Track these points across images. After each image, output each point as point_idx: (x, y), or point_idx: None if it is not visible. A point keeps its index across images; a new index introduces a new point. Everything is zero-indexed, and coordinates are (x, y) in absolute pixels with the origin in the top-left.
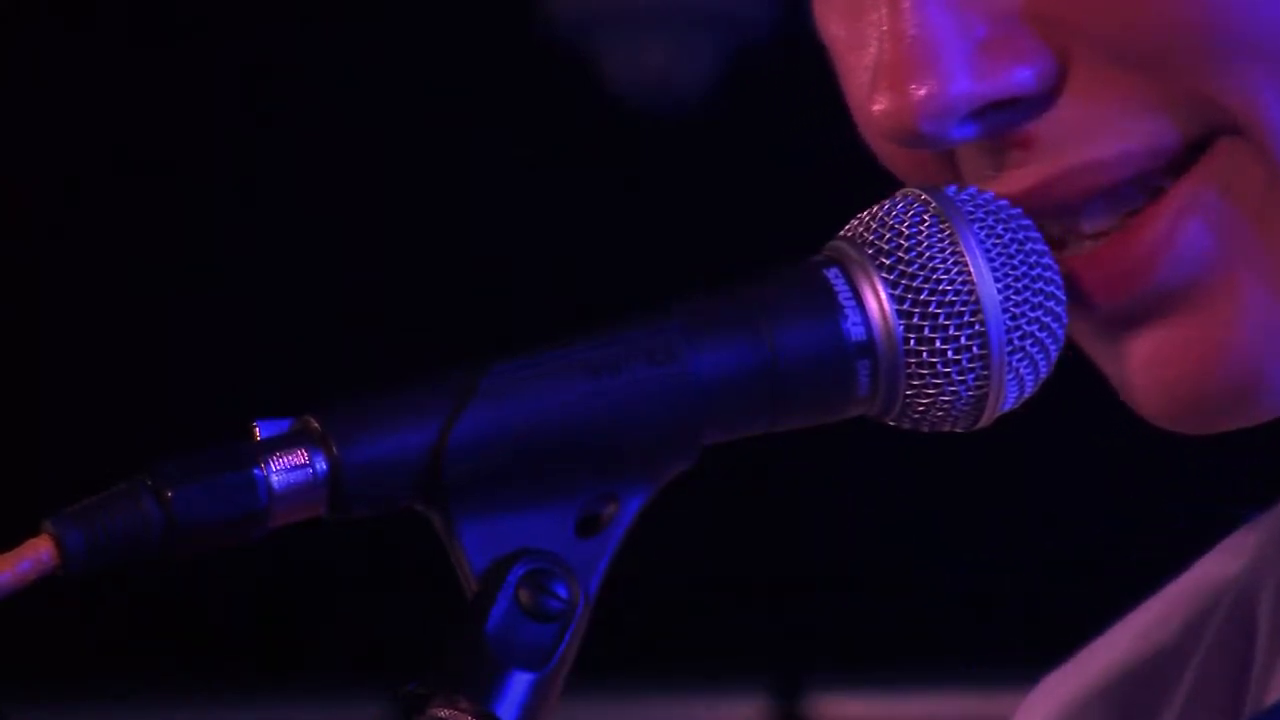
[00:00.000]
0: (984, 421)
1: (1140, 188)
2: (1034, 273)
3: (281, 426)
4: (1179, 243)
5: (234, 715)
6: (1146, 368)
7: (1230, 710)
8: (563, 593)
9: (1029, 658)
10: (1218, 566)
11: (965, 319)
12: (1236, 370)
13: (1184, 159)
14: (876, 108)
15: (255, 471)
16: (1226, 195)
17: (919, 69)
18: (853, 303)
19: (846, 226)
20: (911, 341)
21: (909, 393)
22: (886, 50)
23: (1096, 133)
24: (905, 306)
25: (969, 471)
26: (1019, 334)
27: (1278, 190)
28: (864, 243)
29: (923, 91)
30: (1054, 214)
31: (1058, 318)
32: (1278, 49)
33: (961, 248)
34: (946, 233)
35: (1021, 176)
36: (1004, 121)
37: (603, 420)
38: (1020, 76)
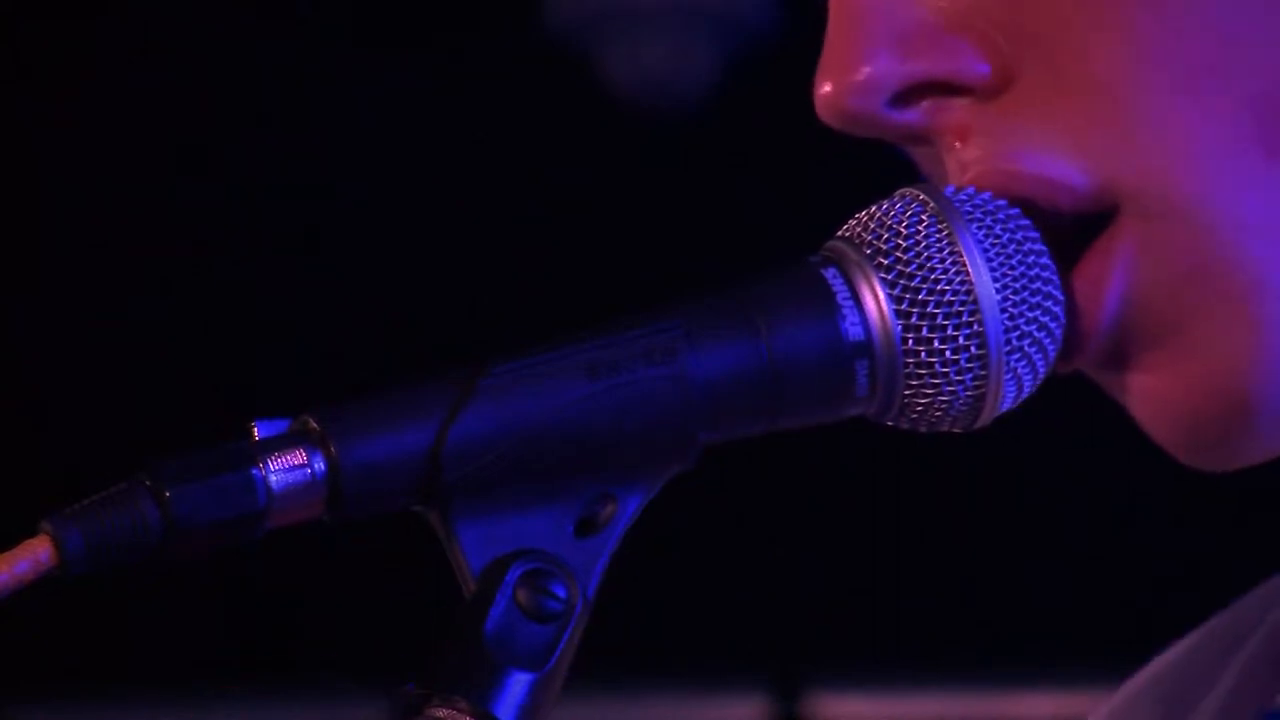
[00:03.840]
0: (982, 422)
1: (1051, 222)
2: (1032, 273)
3: (280, 427)
4: (1108, 309)
5: (234, 715)
6: (1149, 405)
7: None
8: (561, 593)
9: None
10: (1259, 604)
11: (963, 319)
12: (1226, 396)
13: (1082, 221)
14: (818, 95)
15: (254, 472)
16: (1144, 267)
17: (850, 54)
18: (851, 303)
19: (845, 226)
20: (910, 341)
21: (907, 393)
22: (826, 41)
23: (1023, 145)
24: (903, 307)
25: (968, 472)
26: (1017, 334)
27: (1200, 248)
28: (862, 243)
29: (853, 75)
30: None
31: (1056, 318)
32: (1223, 83)
33: (960, 248)
34: (945, 233)
35: (956, 160)
36: (940, 107)
37: (601, 421)
38: (952, 62)
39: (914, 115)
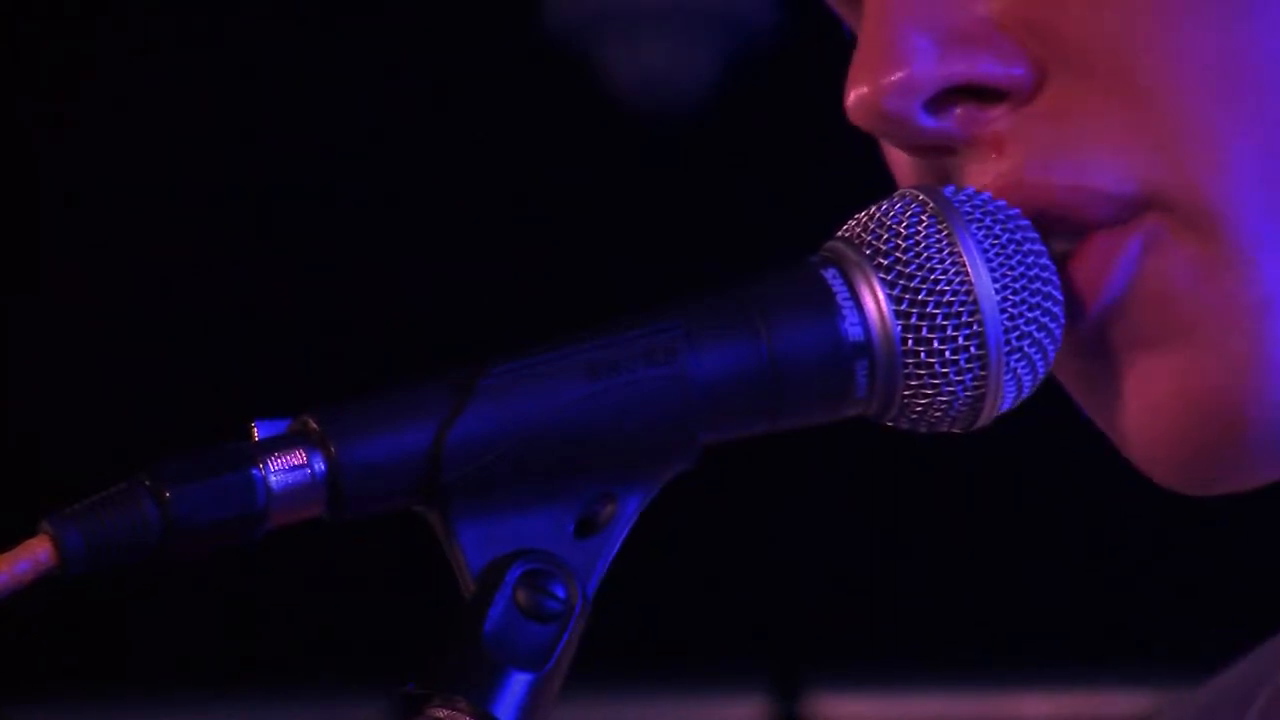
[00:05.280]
0: (982, 422)
1: (1079, 227)
2: (1031, 273)
3: (280, 427)
4: (1109, 289)
5: (234, 715)
6: (1137, 414)
7: None
8: (561, 593)
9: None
10: (1264, 663)
11: (963, 319)
12: (1219, 409)
13: (1112, 219)
14: (850, 97)
15: (253, 472)
16: (1155, 249)
17: (887, 56)
18: (850, 303)
19: (844, 227)
20: (909, 342)
21: (907, 393)
22: (861, 44)
23: (1058, 151)
24: (903, 307)
25: (968, 472)
26: (1017, 334)
27: (1216, 247)
28: (862, 243)
29: (890, 77)
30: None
31: (1055, 318)
32: (1258, 99)
33: (959, 248)
34: (944, 233)
35: (985, 171)
36: (974, 115)
37: (601, 421)
38: (988, 66)
39: (948, 123)
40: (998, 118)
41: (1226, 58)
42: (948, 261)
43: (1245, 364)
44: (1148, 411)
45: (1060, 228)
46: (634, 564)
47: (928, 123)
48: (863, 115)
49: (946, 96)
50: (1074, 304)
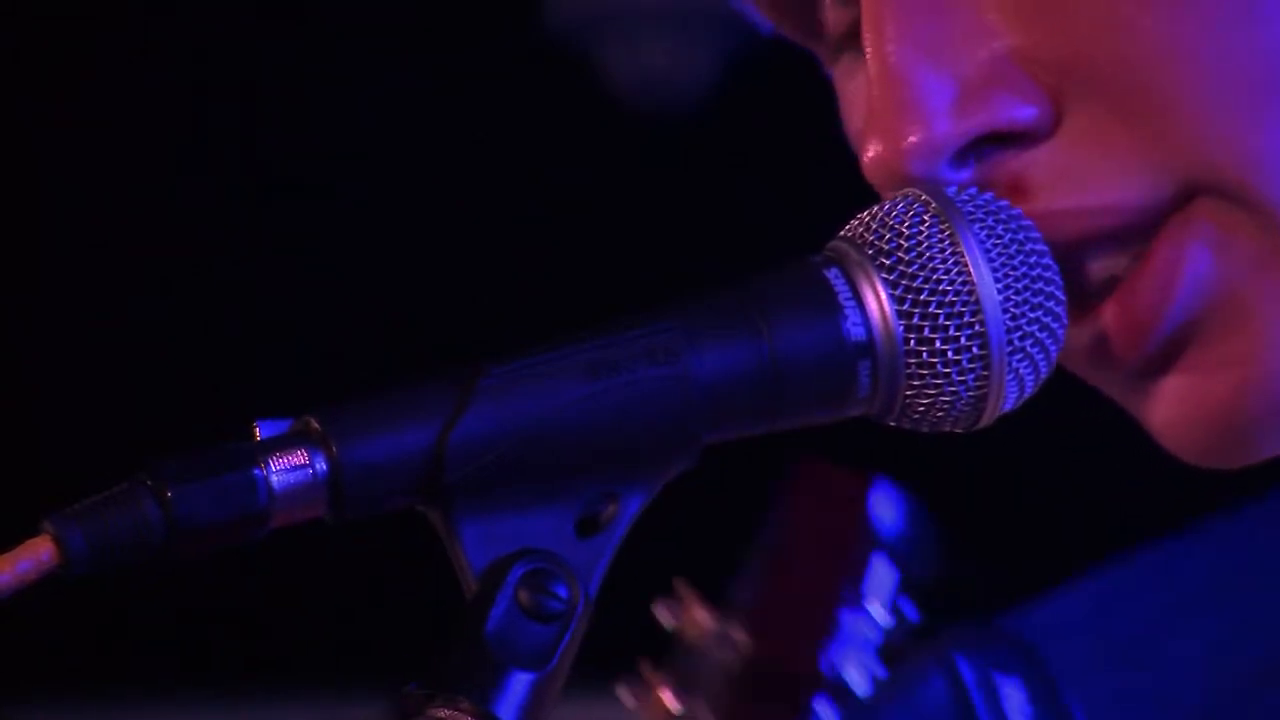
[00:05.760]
0: (984, 422)
1: (1125, 243)
2: (1034, 273)
3: (281, 427)
4: (1177, 299)
5: (233, 715)
6: (1177, 408)
7: None
8: (562, 593)
9: None
10: (1202, 549)
11: (965, 319)
12: (1262, 401)
13: (1167, 218)
14: (868, 156)
15: (255, 472)
16: (1216, 249)
17: (905, 115)
18: (853, 303)
19: (847, 226)
20: (911, 342)
21: (909, 393)
22: (875, 99)
23: (1085, 180)
24: (905, 307)
25: (967, 472)
26: (1019, 334)
27: (1271, 236)
28: (864, 243)
29: (911, 137)
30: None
31: (1058, 318)
32: (1276, 92)
33: (962, 248)
34: (946, 233)
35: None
36: (996, 160)
37: (602, 421)
38: (1007, 111)
39: (970, 171)
40: (1022, 156)
41: (1239, 62)
42: (950, 261)
43: None
44: (1200, 404)
45: (1108, 247)
46: (634, 564)
47: (950, 176)
48: (885, 178)
49: (968, 146)
50: (1140, 320)
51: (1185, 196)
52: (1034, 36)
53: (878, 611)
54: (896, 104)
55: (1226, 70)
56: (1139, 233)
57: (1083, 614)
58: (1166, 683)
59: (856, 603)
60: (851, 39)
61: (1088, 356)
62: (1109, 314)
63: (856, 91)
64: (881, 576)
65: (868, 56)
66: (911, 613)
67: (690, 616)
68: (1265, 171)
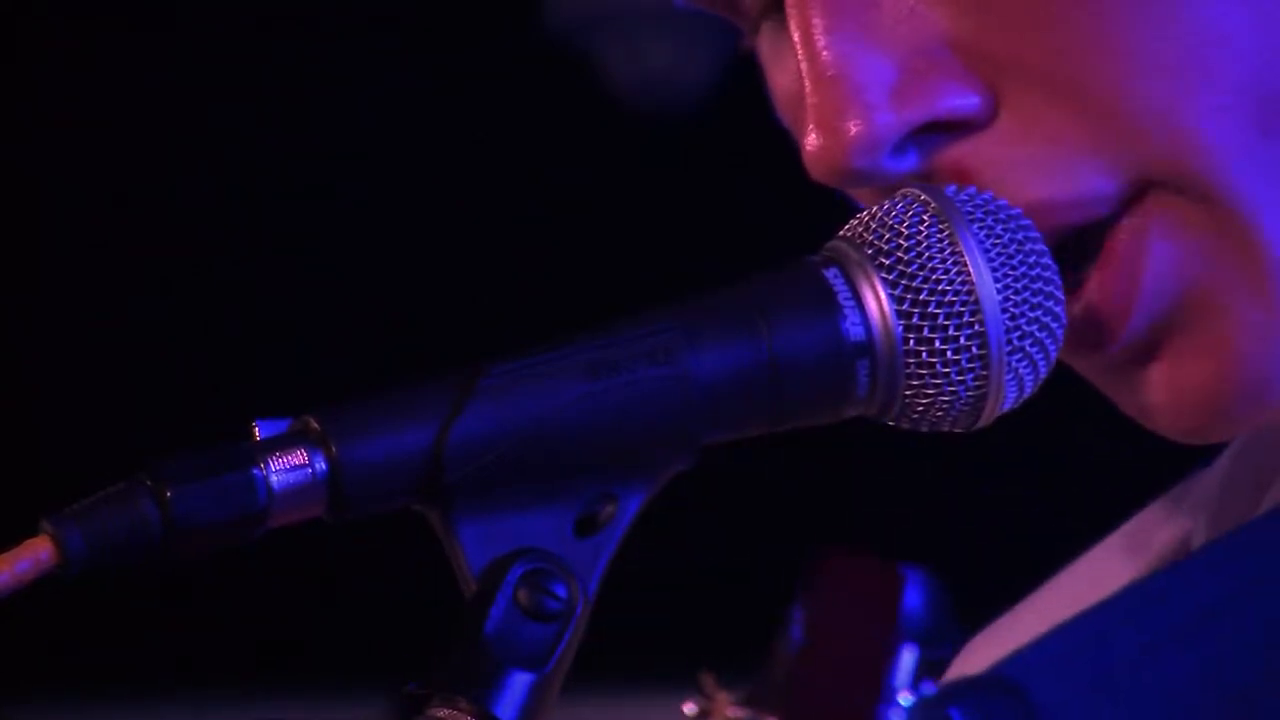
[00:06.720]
0: (983, 422)
1: (1083, 238)
2: (1033, 273)
3: (281, 427)
4: (1144, 294)
5: (233, 715)
6: (1161, 395)
7: None
8: (561, 593)
9: None
10: (1156, 518)
11: (964, 319)
12: (1241, 384)
13: (1117, 212)
14: (808, 150)
15: (255, 471)
16: (1175, 243)
17: (843, 108)
18: (852, 303)
19: (846, 226)
20: (911, 342)
21: (908, 393)
22: (810, 92)
23: (1033, 170)
24: (904, 307)
25: (968, 473)
26: (1018, 334)
27: (1224, 227)
28: (863, 243)
29: (851, 130)
30: None
31: (1057, 318)
32: (1215, 78)
33: (961, 248)
34: (946, 233)
35: None
36: (937, 148)
37: (601, 421)
38: (945, 100)
39: (912, 161)
40: (961, 146)
41: (1174, 48)
42: (949, 261)
43: (1266, 330)
44: (1179, 390)
45: (1065, 241)
46: (634, 564)
47: (893, 167)
48: (826, 173)
49: (908, 137)
50: (1108, 318)
51: (1138, 190)
52: (966, 24)
53: (907, 701)
54: (833, 97)
55: (1162, 61)
56: (1095, 227)
57: (1071, 649)
58: (1156, 713)
59: (888, 697)
60: (773, 9)
61: (1065, 347)
62: (1077, 310)
63: (783, 67)
64: (906, 663)
65: (795, 43)
66: (932, 693)
67: (718, 712)
68: (1212, 163)
